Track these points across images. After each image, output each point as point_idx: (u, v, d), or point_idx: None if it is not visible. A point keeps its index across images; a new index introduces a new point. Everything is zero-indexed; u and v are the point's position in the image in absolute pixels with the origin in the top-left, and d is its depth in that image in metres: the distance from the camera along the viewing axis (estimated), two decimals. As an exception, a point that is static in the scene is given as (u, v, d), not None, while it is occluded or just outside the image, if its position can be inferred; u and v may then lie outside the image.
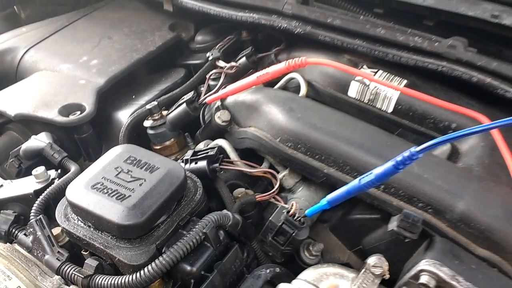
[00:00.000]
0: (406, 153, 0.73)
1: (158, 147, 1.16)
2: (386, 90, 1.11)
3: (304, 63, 1.02)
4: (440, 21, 1.12)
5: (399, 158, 0.73)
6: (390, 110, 1.12)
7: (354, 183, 0.80)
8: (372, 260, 0.86)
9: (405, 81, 1.12)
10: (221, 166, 1.01)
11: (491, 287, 0.82)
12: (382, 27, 1.10)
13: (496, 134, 0.93)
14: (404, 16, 1.16)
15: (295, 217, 0.92)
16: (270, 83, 1.21)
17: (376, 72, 1.14)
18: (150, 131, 1.14)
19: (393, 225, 0.91)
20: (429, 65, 1.06)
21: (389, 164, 0.74)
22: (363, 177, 0.78)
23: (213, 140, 1.13)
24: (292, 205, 0.93)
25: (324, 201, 0.85)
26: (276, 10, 1.20)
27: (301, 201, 1.04)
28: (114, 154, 0.94)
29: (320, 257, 1.04)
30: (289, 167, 1.04)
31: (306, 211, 0.90)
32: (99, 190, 0.86)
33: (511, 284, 0.84)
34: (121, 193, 0.85)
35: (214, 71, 1.21)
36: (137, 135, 1.18)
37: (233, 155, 1.06)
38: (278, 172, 1.06)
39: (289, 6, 1.18)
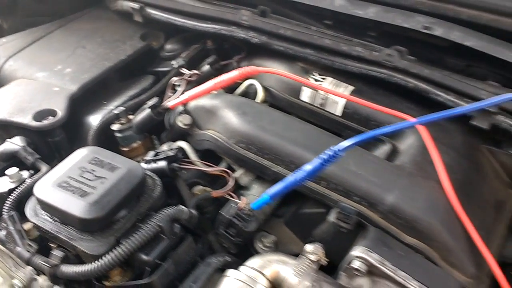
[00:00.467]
0: (330, 152, 0.83)
1: (126, 149, 1.25)
2: (334, 95, 1.21)
3: (253, 71, 1.12)
4: (384, 32, 1.23)
5: (324, 156, 0.83)
6: (338, 113, 1.23)
7: (290, 178, 0.90)
8: (309, 247, 0.95)
9: (352, 87, 1.22)
10: (180, 166, 1.10)
11: (415, 270, 0.92)
12: (329, 37, 1.20)
13: (424, 133, 1.04)
14: (352, 27, 1.26)
15: (245, 211, 1.02)
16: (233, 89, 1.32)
17: (325, 79, 1.24)
18: (117, 134, 1.24)
19: (331, 217, 1.01)
20: (371, 72, 1.17)
21: (317, 161, 0.84)
22: (296, 173, 0.88)
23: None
24: (243, 201, 1.03)
25: (266, 195, 0.94)
26: (235, 22, 1.30)
27: (255, 197, 1.14)
28: (79, 156, 1.03)
29: (274, 249, 1.14)
30: (242, 166, 1.14)
31: (251, 205, 0.99)
32: (65, 188, 0.96)
33: (433, 267, 0.94)
34: (84, 190, 0.95)
35: (175, 78, 1.30)
36: (107, 138, 1.27)
37: (192, 156, 1.16)
38: (234, 171, 1.15)
39: (246, 18, 1.28)
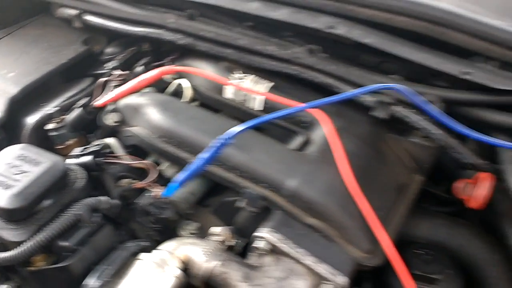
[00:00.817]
0: (221, 140, 0.92)
1: (61, 147, 1.33)
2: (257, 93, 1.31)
3: (171, 70, 1.22)
4: (300, 32, 1.32)
5: (217, 143, 0.93)
6: (259, 108, 1.32)
7: (193, 165, 0.99)
8: (214, 230, 1.05)
9: (271, 84, 1.32)
10: (105, 160, 1.19)
11: (312, 247, 1.02)
12: (247, 38, 1.30)
13: (323, 120, 1.13)
14: (271, 27, 1.35)
15: (161, 200, 1.11)
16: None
17: (247, 76, 1.33)
18: (52, 133, 1.32)
19: (241, 202, 1.11)
20: (284, 69, 1.26)
21: (211, 149, 0.94)
22: (197, 160, 0.98)
23: (108, 138, 1.31)
24: (159, 190, 1.12)
25: (173, 183, 1.03)
26: (162, 25, 1.39)
27: (180, 188, 1.22)
28: (8, 153, 1.12)
29: (200, 235, 1.22)
30: (166, 159, 1.23)
31: (162, 193, 1.08)
32: (-9, 182, 1.04)
33: (329, 244, 1.03)
34: (8, 184, 1.03)
35: (102, 79, 1.39)
36: (45, 137, 1.35)
37: (118, 151, 1.24)
38: (159, 165, 1.24)
39: (173, 21, 1.37)
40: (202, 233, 1.22)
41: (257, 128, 1.28)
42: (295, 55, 1.23)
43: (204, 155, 0.96)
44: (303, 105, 1.11)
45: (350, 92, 1.11)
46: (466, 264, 1.22)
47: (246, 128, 0.96)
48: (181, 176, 1.01)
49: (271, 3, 1.27)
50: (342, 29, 1.19)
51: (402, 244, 1.20)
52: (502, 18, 1.22)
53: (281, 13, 1.25)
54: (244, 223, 1.15)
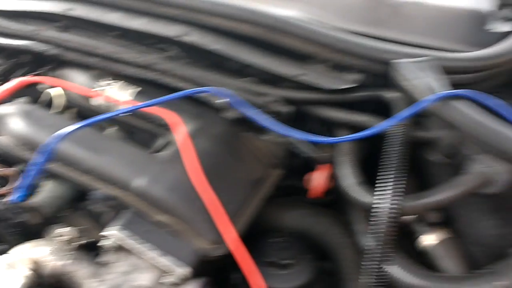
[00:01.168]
0: (53, 140, 0.99)
1: None
2: (121, 98, 1.37)
3: (30, 81, 1.28)
4: (161, 39, 1.39)
5: (50, 143, 1.00)
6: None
7: (32, 169, 1.06)
8: (58, 230, 1.11)
9: (138, 89, 1.39)
10: (-33, 170, 1.23)
11: (158, 242, 1.08)
12: (111, 46, 1.36)
13: (170, 119, 1.21)
14: (137, 36, 1.42)
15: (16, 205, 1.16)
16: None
17: (115, 82, 1.39)
18: None
19: (92, 204, 1.17)
20: (143, 75, 1.33)
21: (45, 150, 1.01)
22: (33, 163, 1.04)
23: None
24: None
25: (18, 188, 1.09)
26: (31, 37, 1.44)
27: (45, 193, 1.27)
28: None
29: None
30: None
31: (9, 199, 1.13)
32: None
33: (175, 238, 1.10)
34: None
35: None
36: None
37: (-16, 160, 1.28)
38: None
39: (42, 32, 1.43)
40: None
41: (129, 132, 1.36)
42: (153, 61, 1.31)
43: (40, 157, 1.03)
44: (140, 103, 1.20)
45: (172, 95, 1.20)
46: (326, 249, 1.33)
47: (78, 128, 1.04)
48: (24, 181, 1.07)
49: (131, 13, 1.34)
50: (194, 36, 1.28)
51: (265, 233, 1.30)
52: (343, 22, 1.34)
53: (139, 23, 1.32)
54: (108, 223, 1.21)
